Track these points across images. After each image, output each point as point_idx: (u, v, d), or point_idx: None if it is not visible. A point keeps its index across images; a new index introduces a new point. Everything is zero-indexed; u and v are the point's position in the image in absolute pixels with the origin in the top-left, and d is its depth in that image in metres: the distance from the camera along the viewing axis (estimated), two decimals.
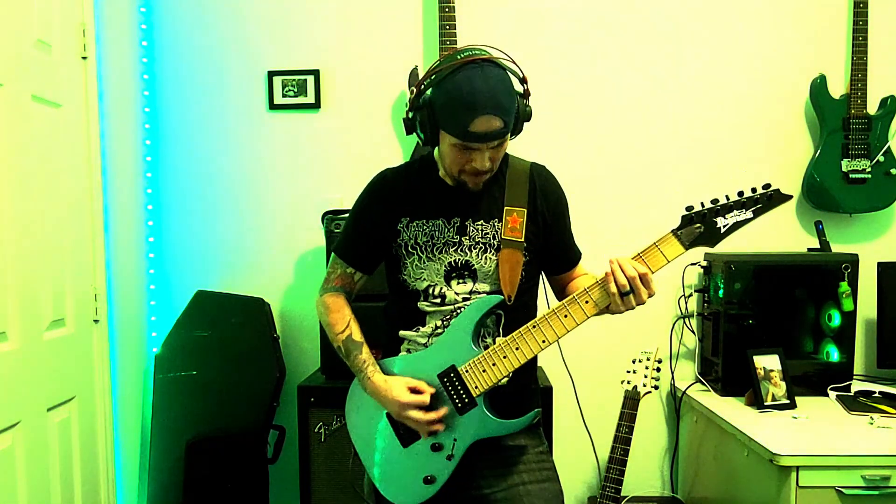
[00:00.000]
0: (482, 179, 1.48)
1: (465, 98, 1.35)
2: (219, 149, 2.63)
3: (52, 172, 2.00)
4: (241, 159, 2.63)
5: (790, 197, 1.40)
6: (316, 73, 2.58)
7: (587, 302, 1.41)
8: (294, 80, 2.59)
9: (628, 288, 1.36)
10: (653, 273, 1.39)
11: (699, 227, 1.39)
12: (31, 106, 1.90)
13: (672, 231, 1.40)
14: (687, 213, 1.40)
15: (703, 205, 1.40)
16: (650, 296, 1.38)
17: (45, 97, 1.97)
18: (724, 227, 1.39)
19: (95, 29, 2.21)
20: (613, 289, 1.37)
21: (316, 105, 2.60)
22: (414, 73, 2.48)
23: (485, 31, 2.52)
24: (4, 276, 1.78)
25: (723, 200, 1.40)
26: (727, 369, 2.29)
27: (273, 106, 2.60)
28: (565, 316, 1.42)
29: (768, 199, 1.39)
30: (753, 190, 1.39)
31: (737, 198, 1.39)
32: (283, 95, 2.59)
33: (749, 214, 1.39)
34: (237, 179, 2.63)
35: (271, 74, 2.59)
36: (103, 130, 2.26)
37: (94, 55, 2.20)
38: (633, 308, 1.41)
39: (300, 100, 2.59)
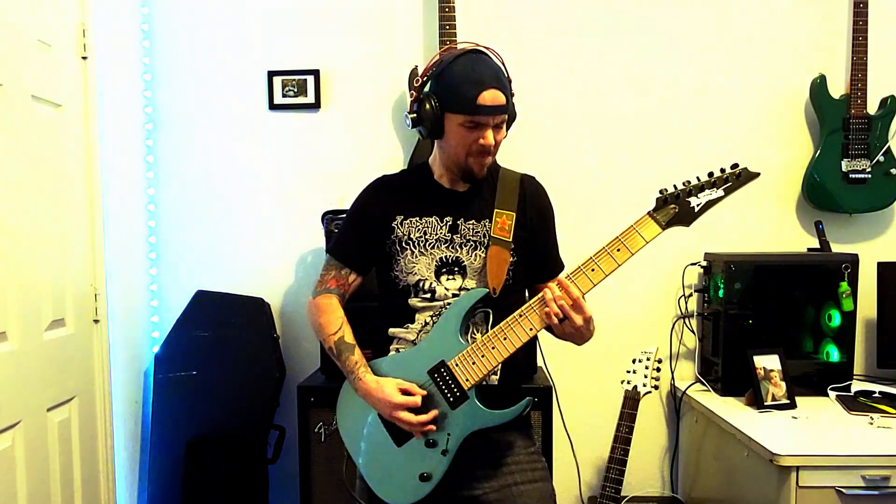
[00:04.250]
0: (487, 163, 1.53)
1: (471, 75, 1.44)
2: (219, 149, 2.63)
3: (52, 172, 2.00)
4: (242, 159, 2.63)
5: (758, 174, 1.45)
6: (316, 73, 2.58)
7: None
8: (294, 80, 2.59)
9: (562, 315, 1.41)
10: (632, 255, 1.44)
11: (674, 207, 1.44)
12: (31, 106, 1.90)
13: (648, 213, 1.45)
14: (661, 195, 1.45)
15: (675, 186, 1.46)
16: (585, 320, 1.42)
17: (45, 97, 1.97)
18: (698, 206, 1.44)
19: (95, 29, 2.21)
20: (554, 319, 1.41)
21: (316, 105, 2.60)
22: (414, 73, 2.48)
23: (485, 31, 2.51)
24: (4, 276, 1.78)
25: (694, 181, 1.45)
26: (727, 369, 2.29)
27: (273, 106, 2.60)
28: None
29: (737, 178, 1.44)
30: (722, 170, 1.45)
31: (707, 178, 1.45)
32: (283, 95, 2.59)
33: (720, 192, 1.44)
34: (237, 179, 2.63)
35: (271, 74, 2.59)
36: (103, 130, 2.26)
37: (94, 55, 2.20)
38: (569, 334, 1.46)
39: (300, 100, 2.59)
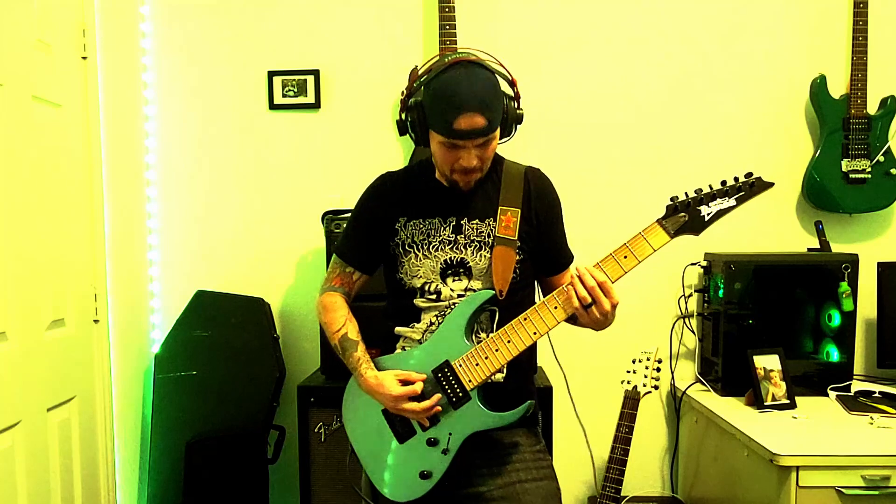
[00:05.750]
0: (473, 178, 1.51)
1: (449, 96, 1.40)
2: (219, 149, 2.63)
3: (52, 172, 2.00)
4: (241, 159, 2.63)
5: (772, 184, 1.42)
6: (316, 73, 2.58)
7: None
8: (294, 80, 2.59)
9: (589, 300, 1.38)
10: (639, 262, 1.41)
11: (683, 215, 1.41)
12: (31, 106, 1.90)
13: (657, 220, 1.42)
14: (671, 202, 1.43)
15: (686, 194, 1.43)
16: (613, 305, 1.39)
17: (45, 97, 1.97)
18: (708, 215, 1.41)
19: (95, 29, 2.21)
20: (576, 302, 1.39)
21: (316, 105, 2.60)
22: (414, 72, 2.47)
23: (485, 32, 2.52)
24: (4, 276, 1.78)
25: (706, 190, 1.42)
26: (727, 369, 2.29)
27: (273, 106, 2.60)
28: (555, 307, 1.43)
29: (750, 187, 1.41)
30: (736, 179, 1.42)
31: (719, 186, 1.42)
32: (283, 95, 2.59)
33: (732, 202, 1.41)
34: (237, 179, 2.63)
35: (271, 74, 2.59)
36: (103, 130, 2.26)
37: (94, 55, 2.20)
38: (598, 321, 1.42)
39: (300, 100, 2.59)
